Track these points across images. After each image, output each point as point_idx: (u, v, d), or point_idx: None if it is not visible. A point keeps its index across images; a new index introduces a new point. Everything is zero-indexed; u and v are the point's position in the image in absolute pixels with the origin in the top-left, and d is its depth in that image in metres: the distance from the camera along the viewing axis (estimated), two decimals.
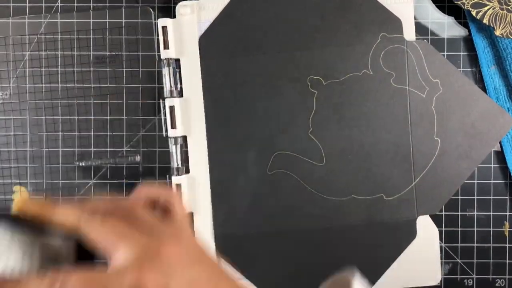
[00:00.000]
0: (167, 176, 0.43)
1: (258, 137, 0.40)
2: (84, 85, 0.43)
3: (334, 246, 0.40)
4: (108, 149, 0.43)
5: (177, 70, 0.40)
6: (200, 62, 0.40)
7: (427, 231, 0.41)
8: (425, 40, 0.41)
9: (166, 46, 0.40)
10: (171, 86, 0.40)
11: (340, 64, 0.40)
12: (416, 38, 0.40)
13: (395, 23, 0.40)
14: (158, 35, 0.41)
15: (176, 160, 0.40)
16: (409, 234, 0.41)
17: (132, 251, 0.25)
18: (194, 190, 0.40)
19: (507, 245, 0.43)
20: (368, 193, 0.41)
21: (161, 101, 0.42)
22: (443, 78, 0.40)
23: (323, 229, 0.39)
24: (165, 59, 0.40)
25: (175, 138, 0.40)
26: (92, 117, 0.43)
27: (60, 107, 0.43)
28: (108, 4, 0.43)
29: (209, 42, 0.40)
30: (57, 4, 0.43)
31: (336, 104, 0.40)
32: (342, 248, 0.40)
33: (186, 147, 0.41)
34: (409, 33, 0.40)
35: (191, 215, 0.41)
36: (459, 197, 0.43)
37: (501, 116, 0.41)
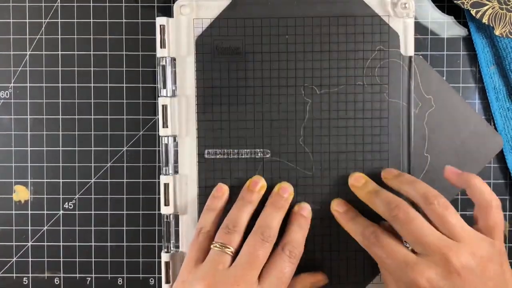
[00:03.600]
0: (157, 175, 0.43)
1: (249, 142, 0.40)
2: (85, 84, 0.43)
3: (318, 254, 0.40)
4: (109, 148, 0.43)
5: (172, 69, 0.40)
6: (196, 63, 0.40)
7: None
8: (421, 56, 0.41)
9: (162, 45, 0.40)
10: (165, 85, 0.40)
11: (335, 75, 0.40)
12: (415, 54, 0.40)
13: (393, 38, 0.40)
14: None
15: (165, 160, 0.40)
16: None
17: None
18: (181, 190, 0.40)
19: (507, 244, 0.43)
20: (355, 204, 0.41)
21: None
22: (437, 95, 0.40)
23: (307, 238, 0.39)
24: (161, 57, 0.40)
25: (167, 137, 0.40)
26: (92, 117, 0.43)
27: (60, 107, 0.43)
28: (108, 4, 0.43)
29: (206, 43, 0.40)
30: (57, 4, 0.43)
31: (329, 114, 0.40)
32: (325, 256, 0.40)
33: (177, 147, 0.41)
34: (406, 48, 0.40)
35: (176, 216, 0.40)
36: (459, 196, 0.43)
37: (492, 136, 0.41)
